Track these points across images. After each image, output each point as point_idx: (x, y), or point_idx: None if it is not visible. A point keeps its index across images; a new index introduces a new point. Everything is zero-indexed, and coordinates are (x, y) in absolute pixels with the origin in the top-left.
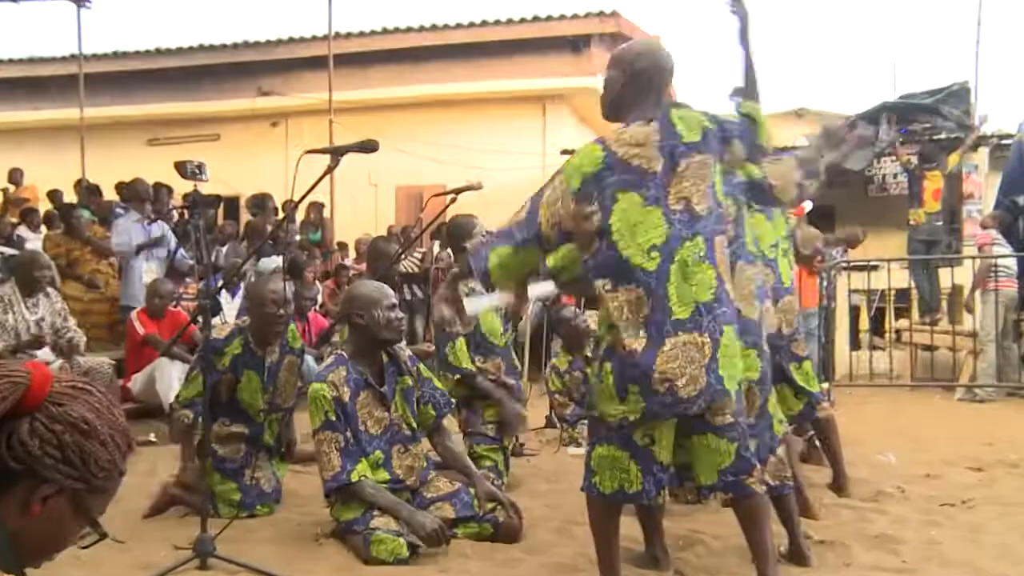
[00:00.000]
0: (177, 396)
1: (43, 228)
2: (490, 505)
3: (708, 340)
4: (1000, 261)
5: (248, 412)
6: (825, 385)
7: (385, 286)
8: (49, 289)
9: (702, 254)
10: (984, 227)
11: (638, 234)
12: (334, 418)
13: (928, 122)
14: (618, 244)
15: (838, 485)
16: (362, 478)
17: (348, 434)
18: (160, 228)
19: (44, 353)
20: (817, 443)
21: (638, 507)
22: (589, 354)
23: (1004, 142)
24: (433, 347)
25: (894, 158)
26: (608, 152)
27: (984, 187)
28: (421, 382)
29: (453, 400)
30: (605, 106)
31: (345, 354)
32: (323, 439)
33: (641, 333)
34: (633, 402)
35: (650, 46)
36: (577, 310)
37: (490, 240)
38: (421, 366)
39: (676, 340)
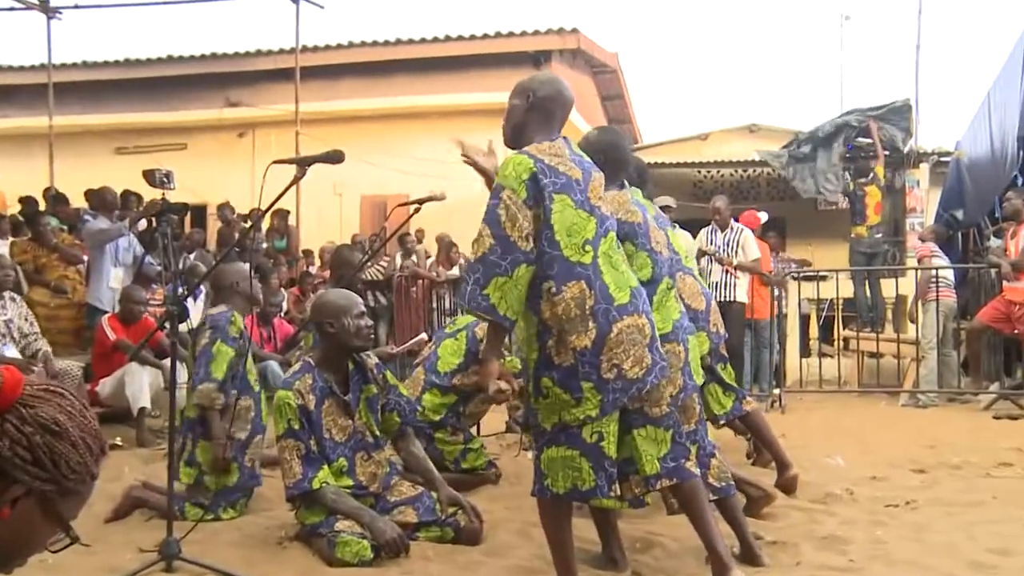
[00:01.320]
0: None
1: (9, 236)
2: (451, 509)
3: (646, 321)
4: (940, 272)
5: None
6: (777, 391)
7: (353, 294)
8: (13, 293)
9: (617, 245)
10: (922, 240)
11: (574, 233)
12: (297, 426)
13: (871, 138)
14: (560, 243)
15: (782, 470)
16: (323, 485)
17: (311, 442)
18: (127, 238)
19: (13, 353)
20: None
21: (592, 508)
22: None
23: (943, 159)
24: (395, 349)
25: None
26: (535, 159)
27: (926, 201)
28: (387, 389)
29: (419, 408)
30: (507, 133)
31: (312, 361)
32: (285, 447)
33: (590, 325)
34: (590, 399)
35: (553, 79)
36: None
37: (476, 279)
38: (388, 373)
39: (621, 324)
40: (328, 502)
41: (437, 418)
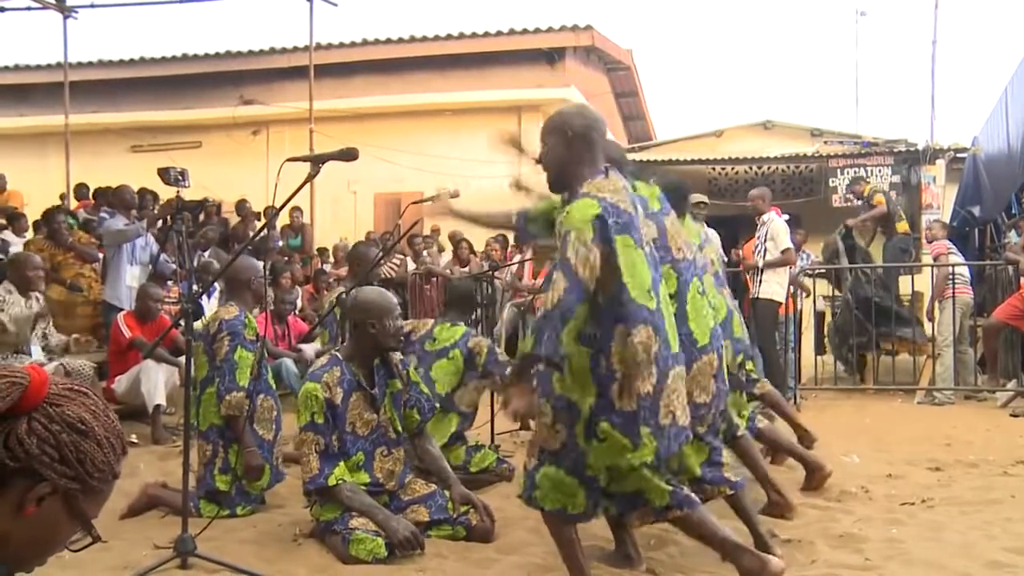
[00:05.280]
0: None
1: (28, 233)
2: (463, 508)
3: (684, 368)
4: (956, 269)
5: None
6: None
7: (391, 295)
8: (36, 292)
9: (672, 292)
10: (929, 239)
11: (636, 275)
12: (320, 420)
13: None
14: (628, 285)
15: (804, 461)
16: (340, 482)
17: (332, 438)
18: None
19: (36, 354)
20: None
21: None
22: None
23: (960, 155)
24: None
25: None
26: (600, 199)
27: (942, 198)
28: (409, 385)
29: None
30: (550, 175)
31: (340, 355)
32: (305, 439)
33: (653, 370)
34: (647, 445)
35: (580, 108)
36: None
37: (555, 327)
38: (411, 370)
39: (674, 373)
40: (343, 499)
41: (443, 442)
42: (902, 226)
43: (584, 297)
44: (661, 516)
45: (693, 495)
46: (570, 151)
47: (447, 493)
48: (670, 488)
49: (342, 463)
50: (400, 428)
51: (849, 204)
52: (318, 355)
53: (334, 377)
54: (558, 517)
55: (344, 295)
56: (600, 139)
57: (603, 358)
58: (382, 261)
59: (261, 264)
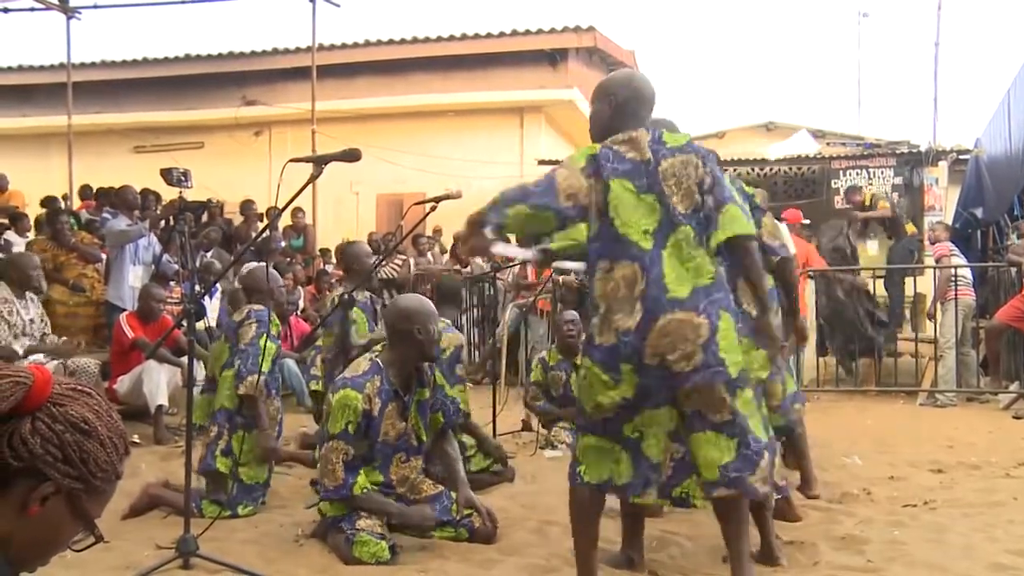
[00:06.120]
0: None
1: (30, 234)
2: (467, 511)
3: (705, 321)
4: (959, 271)
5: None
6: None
7: (429, 301)
8: (32, 294)
9: (695, 241)
10: (933, 240)
11: (633, 217)
12: (352, 430)
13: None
14: (614, 222)
15: (806, 485)
16: (363, 491)
17: (363, 445)
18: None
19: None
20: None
21: (624, 505)
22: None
23: (962, 157)
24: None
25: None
26: (603, 145)
27: (944, 199)
28: (434, 389)
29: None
30: (593, 138)
31: (381, 362)
32: (335, 448)
33: (637, 307)
34: (627, 381)
35: (631, 76)
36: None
37: (509, 196)
38: (437, 373)
39: (671, 317)
40: (360, 504)
41: None
42: (910, 227)
43: (549, 207)
44: (708, 492)
45: (753, 483)
46: (612, 118)
47: (454, 495)
48: (721, 462)
49: (363, 470)
50: (424, 436)
51: (851, 206)
52: (322, 359)
53: (375, 387)
54: (603, 489)
55: (346, 296)
56: (643, 109)
57: (590, 293)
58: (382, 263)
59: (276, 273)
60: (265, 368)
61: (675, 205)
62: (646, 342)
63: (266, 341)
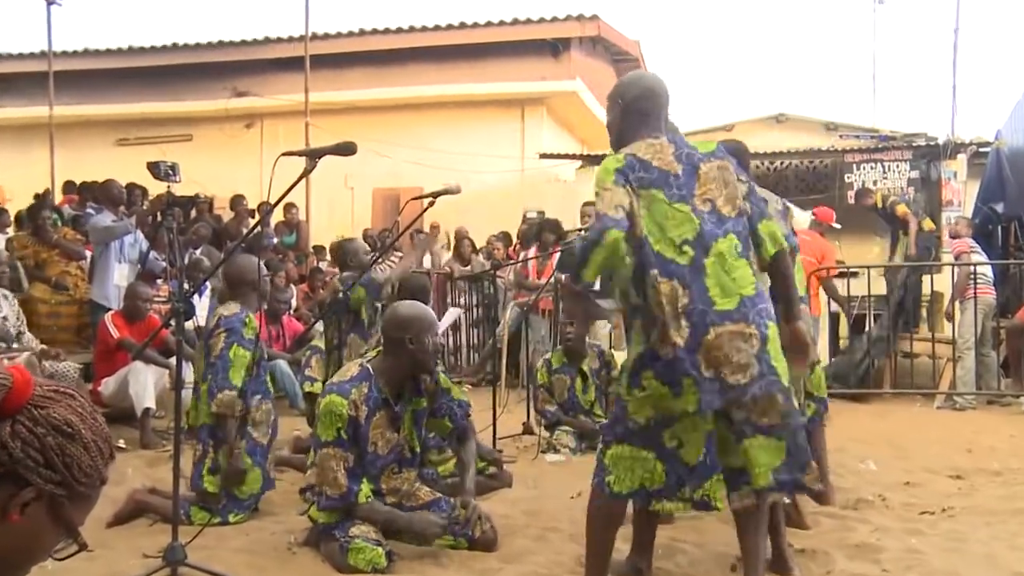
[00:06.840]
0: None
1: (11, 229)
2: (462, 511)
3: (756, 332)
4: (979, 269)
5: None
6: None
7: (431, 311)
8: (6, 291)
9: (739, 250)
10: (954, 235)
11: (668, 229)
12: (345, 437)
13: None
14: (650, 239)
15: (821, 492)
16: (368, 500)
17: (354, 454)
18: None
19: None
20: None
21: (639, 512)
22: (585, 367)
23: (982, 149)
24: None
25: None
26: (628, 155)
27: (963, 194)
28: (438, 394)
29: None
30: (612, 142)
31: (371, 368)
32: (332, 455)
33: (683, 323)
34: (689, 395)
35: (639, 75)
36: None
37: (580, 251)
38: (441, 377)
39: (722, 329)
40: (364, 514)
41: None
42: (927, 223)
43: (614, 225)
44: (760, 498)
45: (803, 480)
46: (623, 120)
47: (452, 501)
48: (773, 466)
49: (365, 480)
50: (418, 448)
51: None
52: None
53: (361, 394)
54: (635, 497)
55: (346, 292)
56: (656, 108)
57: (644, 302)
58: (378, 260)
59: (257, 260)
60: (237, 382)
61: (720, 209)
62: (698, 355)
63: (236, 351)
